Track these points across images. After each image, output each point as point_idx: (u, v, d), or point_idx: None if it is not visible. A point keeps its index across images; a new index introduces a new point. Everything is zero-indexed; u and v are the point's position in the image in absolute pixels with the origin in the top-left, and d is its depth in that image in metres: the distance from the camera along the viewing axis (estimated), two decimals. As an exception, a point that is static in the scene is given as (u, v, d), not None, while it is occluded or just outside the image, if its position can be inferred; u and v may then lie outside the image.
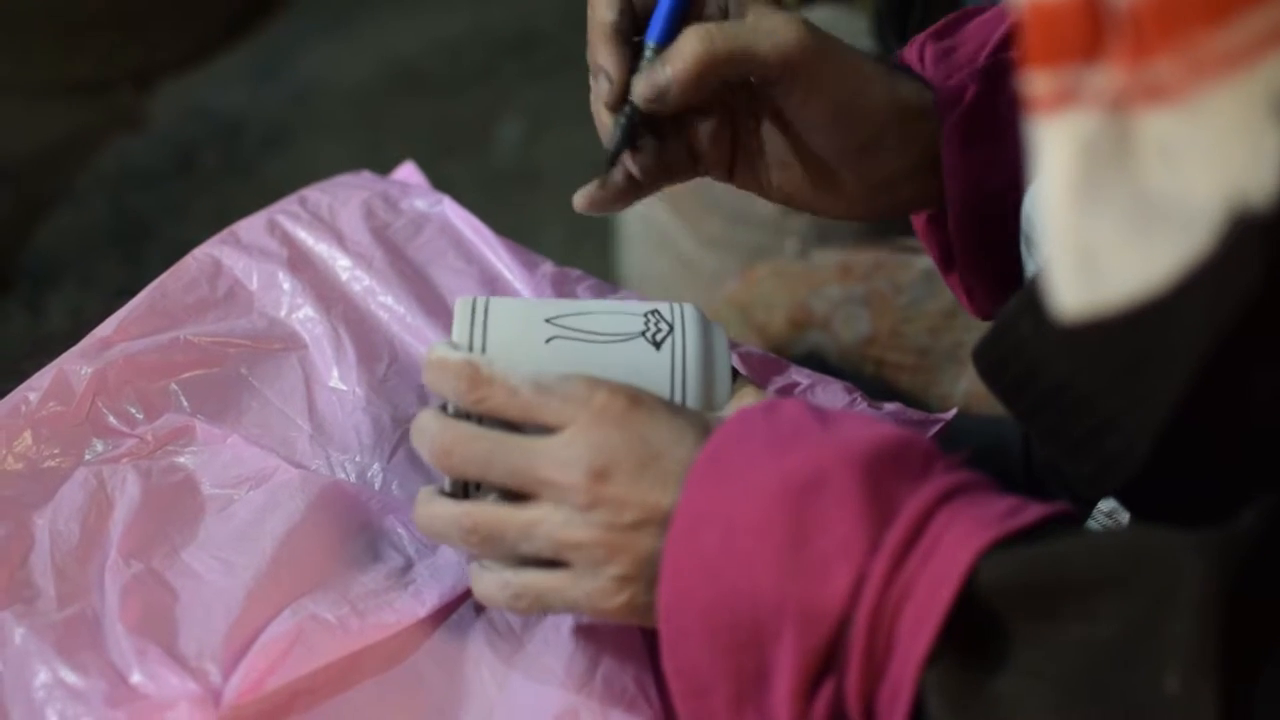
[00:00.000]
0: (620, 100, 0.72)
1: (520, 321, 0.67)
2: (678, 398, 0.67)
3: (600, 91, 0.73)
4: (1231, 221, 0.46)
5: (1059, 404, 0.55)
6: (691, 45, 0.70)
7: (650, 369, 0.67)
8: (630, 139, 0.73)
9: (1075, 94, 0.48)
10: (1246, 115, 0.45)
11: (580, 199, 0.74)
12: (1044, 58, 0.48)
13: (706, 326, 0.69)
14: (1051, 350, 0.55)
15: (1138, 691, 0.51)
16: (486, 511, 0.63)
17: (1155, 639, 0.51)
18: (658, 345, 0.67)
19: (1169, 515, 0.55)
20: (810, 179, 0.75)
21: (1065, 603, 0.53)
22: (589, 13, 0.73)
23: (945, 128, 0.73)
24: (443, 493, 0.66)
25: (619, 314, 0.69)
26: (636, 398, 0.62)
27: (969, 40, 0.75)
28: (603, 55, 0.72)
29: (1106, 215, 0.48)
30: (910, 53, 0.76)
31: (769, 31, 0.70)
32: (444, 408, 0.65)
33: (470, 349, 0.66)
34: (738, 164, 0.76)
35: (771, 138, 0.75)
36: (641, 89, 0.71)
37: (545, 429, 0.62)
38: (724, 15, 0.73)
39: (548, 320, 0.67)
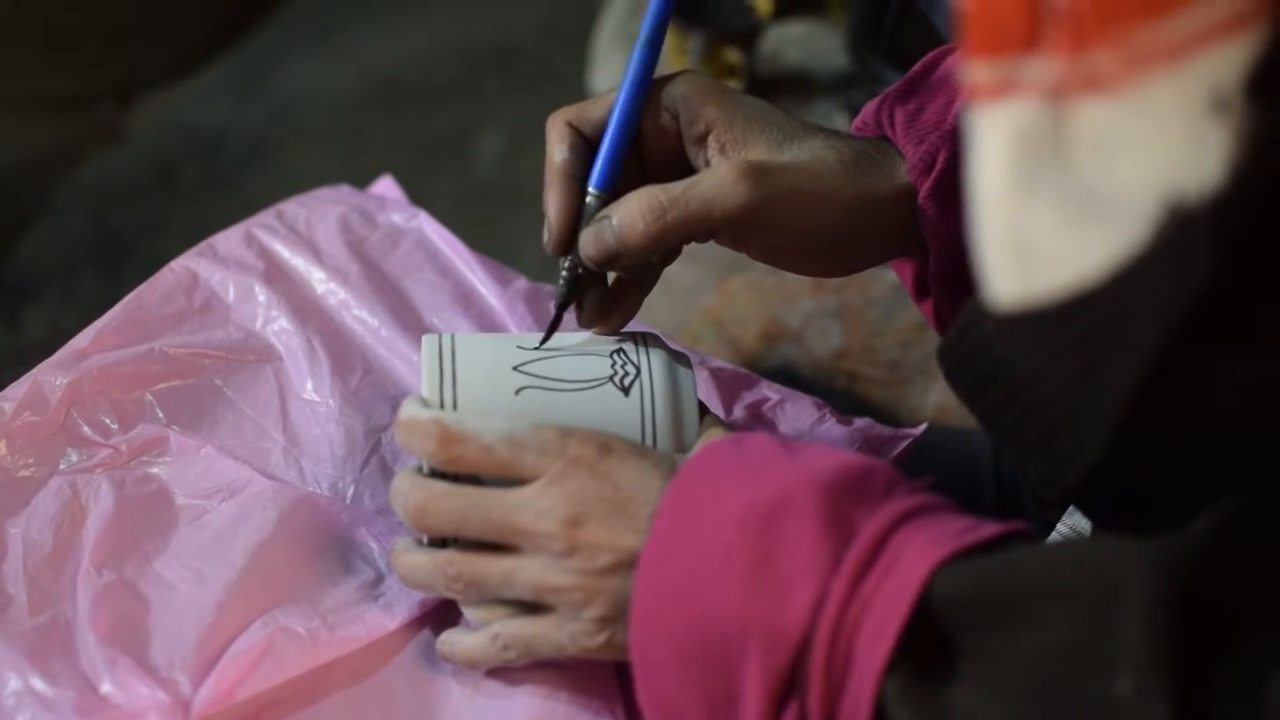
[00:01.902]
0: (563, 248, 0.70)
1: (488, 370, 0.68)
2: (648, 442, 0.68)
3: (544, 238, 0.71)
4: (1168, 215, 0.46)
5: (1017, 404, 0.55)
6: (644, 222, 0.67)
7: (620, 415, 0.68)
8: (575, 290, 0.71)
9: (1014, 84, 0.47)
10: (1183, 109, 0.44)
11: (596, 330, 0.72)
12: (984, 48, 0.48)
13: (672, 368, 0.70)
14: (1009, 350, 0.55)
15: (1090, 695, 0.51)
16: (469, 560, 0.65)
17: (1104, 643, 0.51)
18: (626, 391, 0.68)
19: (1131, 525, 0.55)
20: (789, 258, 0.74)
21: (1015, 612, 0.54)
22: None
23: (921, 194, 0.71)
24: (419, 543, 0.67)
25: (585, 356, 0.69)
26: (607, 444, 0.64)
27: (936, 96, 0.73)
28: (549, 199, 0.70)
29: (1041, 205, 0.48)
30: (883, 115, 0.74)
31: (717, 197, 0.68)
32: (420, 467, 0.66)
33: (440, 404, 0.67)
34: (719, 235, 0.74)
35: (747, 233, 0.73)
36: (589, 249, 0.69)
37: (518, 480, 0.64)
38: (673, 127, 0.71)
39: (515, 368, 0.68)
